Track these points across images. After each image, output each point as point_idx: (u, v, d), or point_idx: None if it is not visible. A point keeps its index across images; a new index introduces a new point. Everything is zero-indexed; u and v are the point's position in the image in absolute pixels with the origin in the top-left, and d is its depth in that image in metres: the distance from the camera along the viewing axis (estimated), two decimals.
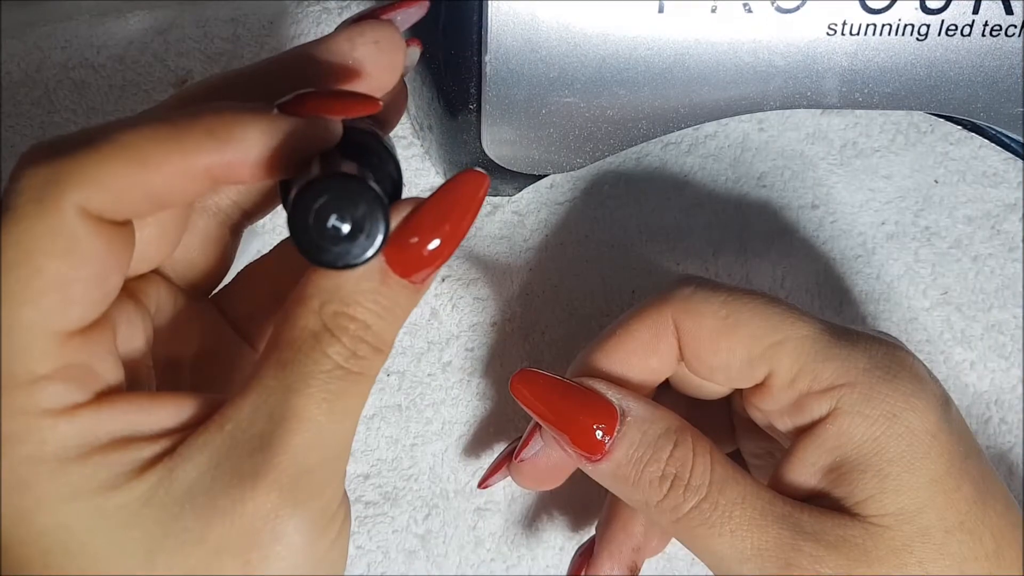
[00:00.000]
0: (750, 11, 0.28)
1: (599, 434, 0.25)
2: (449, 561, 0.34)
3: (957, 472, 0.24)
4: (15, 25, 0.35)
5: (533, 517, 0.35)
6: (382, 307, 0.20)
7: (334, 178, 0.19)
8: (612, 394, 0.26)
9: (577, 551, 0.31)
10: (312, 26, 0.36)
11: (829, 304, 0.36)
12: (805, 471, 0.25)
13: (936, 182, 0.37)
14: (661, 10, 0.28)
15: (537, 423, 0.27)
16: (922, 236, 0.36)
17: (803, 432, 0.25)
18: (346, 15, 0.37)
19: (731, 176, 0.36)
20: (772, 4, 0.28)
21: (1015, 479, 0.35)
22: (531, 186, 0.35)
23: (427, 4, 0.24)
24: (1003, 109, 0.30)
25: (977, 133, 0.37)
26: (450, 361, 0.35)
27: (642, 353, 0.27)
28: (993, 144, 0.37)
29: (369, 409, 0.34)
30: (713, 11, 0.28)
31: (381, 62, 0.22)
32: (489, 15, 0.28)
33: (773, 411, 0.26)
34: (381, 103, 0.20)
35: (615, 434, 0.25)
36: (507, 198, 0.36)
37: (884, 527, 0.23)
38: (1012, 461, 0.35)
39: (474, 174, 0.20)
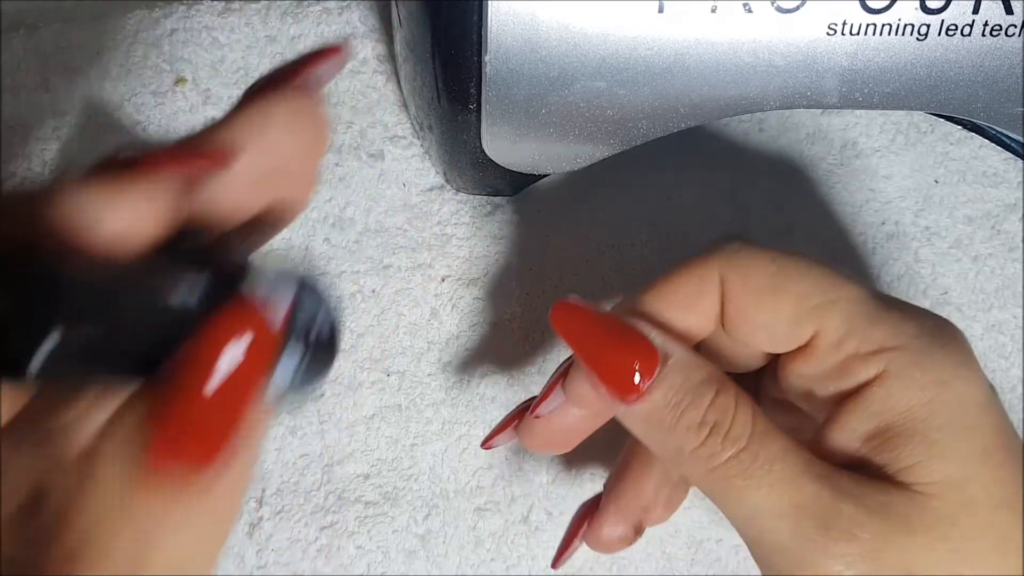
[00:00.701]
0: (750, 11, 0.28)
1: (637, 376, 0.24)
2: (449, 561, 0.34)
3: (1004, 447, 0.23)
4: (15, 25, 0.35)
5: (533, 517, 0.35)
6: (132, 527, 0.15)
7: None
8: (656, 335, 0.25)
9: (582, 505, 0.30)
10: (312, 26, 0.36)
11: None
12: (846, 436, 0.24)
13: (936, 182, 0.37)
14: (661, 10, 0.28)
15: (560, 376, 0.26)
16: (922, 236, 0.36)
17: (846, 397, 0.24)
18: (346, 15, 0.37)
19: (731, 176, 0.36)
20: (772, 4, 0.28)
21: None
22: (531, 186, 0.35)
23: (347, 52, 0.20)
24: (1003, 109, 0.30)
25: (977, 133, 0.37)
26: (450, 361, 0.35)
27: (683, 308, 0.26)
28: (993, 144, 0.37)
29: (369, 409, 0.34)
30: (713, 11, 0.28)
31: (298, 150, 0.18)
32: (489, 15, 0.28)
33: (815, 375, 0.25)
34: (230, 157, 0.16)
35: (655, 375, 0.24)
36: (507, 198, 0.36)
37: (928, 495, 0.22)
38: None
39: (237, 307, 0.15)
